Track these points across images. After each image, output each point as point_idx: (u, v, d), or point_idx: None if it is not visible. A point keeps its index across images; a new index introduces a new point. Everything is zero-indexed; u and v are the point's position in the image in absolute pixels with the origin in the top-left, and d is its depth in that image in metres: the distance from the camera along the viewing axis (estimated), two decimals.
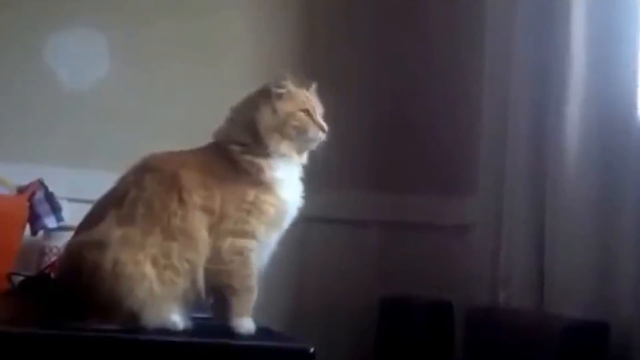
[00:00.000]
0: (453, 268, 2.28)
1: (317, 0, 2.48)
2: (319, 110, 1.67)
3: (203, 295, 1.55)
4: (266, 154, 1.60)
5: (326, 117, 1.67)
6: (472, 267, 2.13)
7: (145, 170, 1.57)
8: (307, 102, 1.65)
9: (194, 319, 1.56)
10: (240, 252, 1.56)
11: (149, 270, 1.49)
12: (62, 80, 2.27)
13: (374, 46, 2.42)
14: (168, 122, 2.27)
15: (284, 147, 1.61)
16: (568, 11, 1.80)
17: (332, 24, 2.46)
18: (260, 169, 1.58)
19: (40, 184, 2.05)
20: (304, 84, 1.67)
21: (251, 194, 1.57)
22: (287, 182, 1.61)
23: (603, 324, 1.60)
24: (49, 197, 2.05)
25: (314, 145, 1.65)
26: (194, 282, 1.53)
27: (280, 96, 1.62)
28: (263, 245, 1.59)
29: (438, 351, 2.07)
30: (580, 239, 1.74)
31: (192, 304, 1.55)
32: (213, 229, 1.54)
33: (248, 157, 1.59)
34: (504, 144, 2.02)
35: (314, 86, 1.69)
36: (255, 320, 1.56)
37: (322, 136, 1.65)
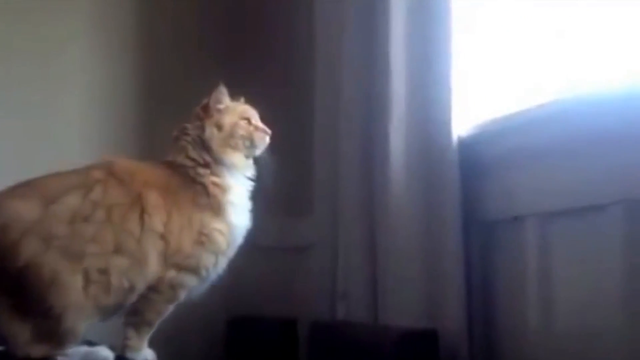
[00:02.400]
0: (297, 287, 2.35)
1: (159, 23, 2.51)
2: (257, 116, 1.73)
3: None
4: (223, 174, 1.64)
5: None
6: (314, 285, 2.19)
7: (112, 174, 1.56)
8: (246, 111, 1.71)
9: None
10: (175, 287, 1.57)
11: (78, 281, 1.48)
12: None
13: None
14: None
15: (236, 158, 1.66)
16: (387, 45, 1.90)
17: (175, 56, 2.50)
18: (223, 190, 1.62)
19: None
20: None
21: (207, 223, 1.59)
22: (239, 206, 1.65)
23: (432, 331, 1.72)
24: None
25: (260, 151, 1.71)
26: (124, 300, 1.53)
27: (221, 111, 1.67)
28: (206, 279, 1.62)
29: None
30: (408, 254, 1.84)
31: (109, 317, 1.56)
32: (165, 258, 1.55)
33: (214, 179, 1.62)
34: (336, 168, 2.09)
35: (242, 99, 1.75)
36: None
37: (267, 139, 1.71)
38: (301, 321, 2.19)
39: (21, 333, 1.47)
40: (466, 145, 1.81)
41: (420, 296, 1.82)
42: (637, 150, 1.41)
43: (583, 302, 1.55)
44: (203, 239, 1.59)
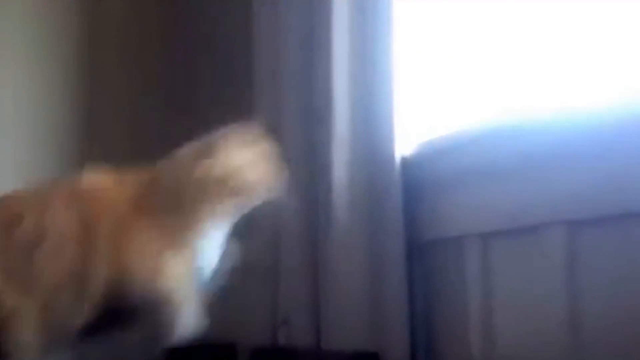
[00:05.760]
0: (236, 310, 2.32)
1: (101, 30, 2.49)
2: None
3: None
4: None
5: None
6: (254, 309, 2.16)
7: (73, 197, 1.49)
8: None
9: None
10: None
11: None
12: None
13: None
14: None
15: None
16: (329, 65, 1.90)
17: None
18: None
19: None
20: None
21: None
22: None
23: (373, 355, 1.72)
24: None
25: None
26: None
27: None
28: None
29: None
30: (351, 277, 1.83)
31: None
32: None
33: None
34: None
35: None
36: None
37: None
38: (241, 346, 2.16)
39: None
40: (409, 165, 1.80)
41: (363, 320, 1.81)
42: (576, 172, 1.42)
43: (524, 325, 1.54)
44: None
